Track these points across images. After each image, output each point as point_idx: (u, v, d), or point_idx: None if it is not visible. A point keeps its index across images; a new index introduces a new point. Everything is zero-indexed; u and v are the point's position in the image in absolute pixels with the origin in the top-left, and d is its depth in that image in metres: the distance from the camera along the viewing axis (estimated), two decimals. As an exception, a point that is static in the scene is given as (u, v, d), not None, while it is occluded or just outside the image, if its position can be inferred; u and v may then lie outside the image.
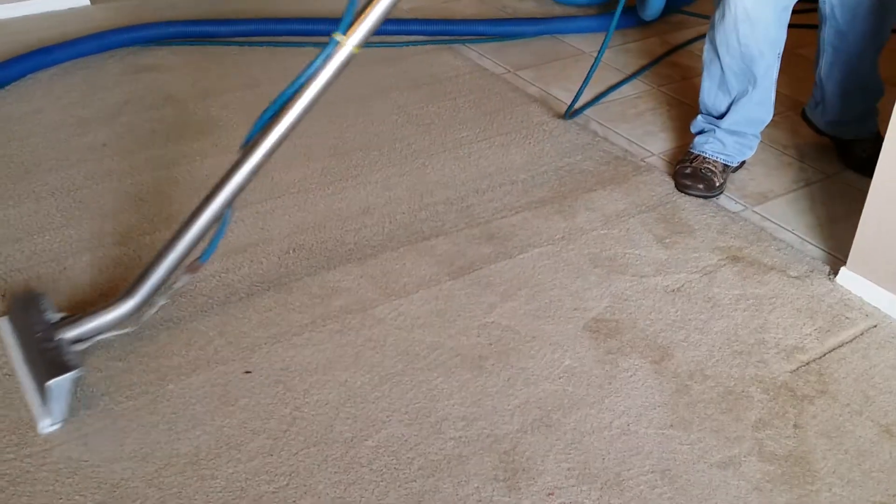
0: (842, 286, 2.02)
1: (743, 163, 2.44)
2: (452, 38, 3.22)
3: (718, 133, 2.35)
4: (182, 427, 1.61)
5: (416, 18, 3.30)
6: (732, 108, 2.32)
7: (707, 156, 2.35)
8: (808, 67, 2.55)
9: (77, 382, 1.64)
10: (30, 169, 2.34)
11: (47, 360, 1.60)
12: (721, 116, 2.35)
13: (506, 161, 2.47)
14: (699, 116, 2.43)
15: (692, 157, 2.37)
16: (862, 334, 1.89)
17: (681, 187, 2.33)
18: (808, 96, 2.57)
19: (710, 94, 2.36)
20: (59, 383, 1.55)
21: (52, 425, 1.59)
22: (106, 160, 2.40)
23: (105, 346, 1.75)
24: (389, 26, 3.22)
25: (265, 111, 1.70)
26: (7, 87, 2.72)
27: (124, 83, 2.80)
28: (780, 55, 2.25)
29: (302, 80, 1.68)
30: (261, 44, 3.10)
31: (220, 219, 1.73)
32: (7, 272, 1.96)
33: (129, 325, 1.73)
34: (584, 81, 2.64)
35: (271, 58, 3.02)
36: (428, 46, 3.17)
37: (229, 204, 1.72)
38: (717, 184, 2.32)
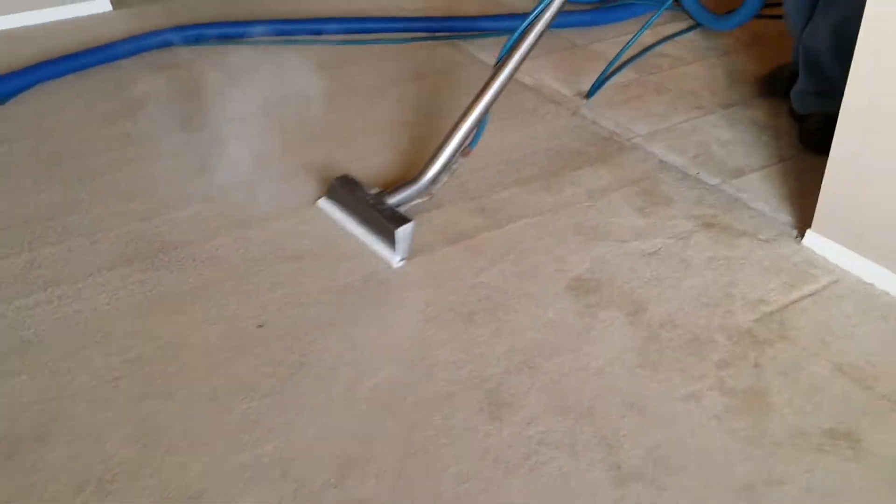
0: (807, 247, 2.19)
1: None
2: (453, 34, 3.41)
3: None
4: (202, 372, 1.80)
5: (419, 17, 3.50)
6: None
7: None
8: (790, 51, 2.72)
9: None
10: (59, 157, 2.55)
11: (386, 216, 2.13)
12: None
13: (500, 143, 2.65)
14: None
15: None
16: (823, 288, 2.06)
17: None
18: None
19: None
20: (405, 230, 2.09)
21: (400, 261, 2.10)
22: (129, 148, 2.61)
23: (132, 305, 1.95)
24: (395, 24, 3.41)
25: (511, 36, 2.24)
26: (36, 87, 2.93)
27: (148, 80, 3.01)
28: None
29: (538, 10, 2.21)
30: (276, 42, 3.31)
31: (477, 124, 2.28)
32: (41, 245, 2.17)
33: (425, 195, 2.27)
34: (608, 65, 2.92)
35: (284, 54, 3.23)
36: (430, 42, 3.36)
37: (488, 108, 2.27)
38: None
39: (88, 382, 1.77)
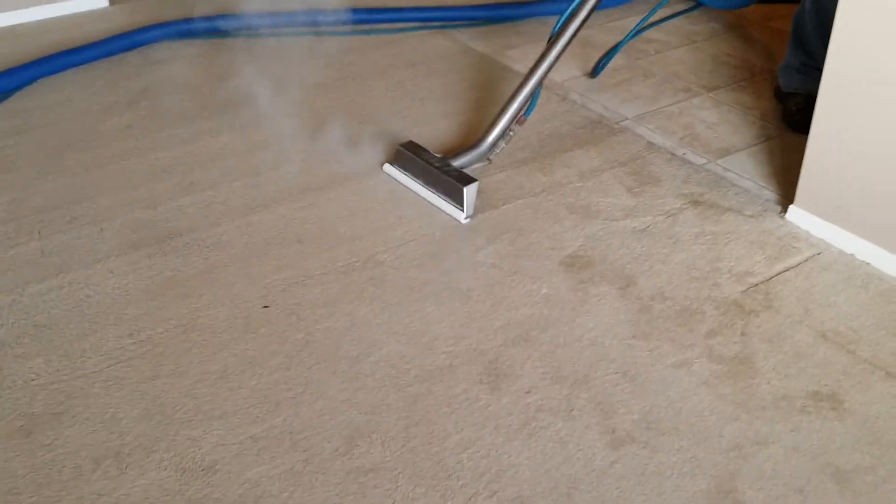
0: (791, 222, 2.27)
1: None
2: (444, 23, 3.48)
3: None
4: (210, 351, 1.87)
5: (409, 7, 3.56)
6: None
7: None
8: (778, 38, 2.80)
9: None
10: (63, 149, 2.61)
11: (454, 177, 2.30)
12: None
13: (492, 128, 2.72)
14: None
15: None
16: (806, 260, 2.14)
17: None
18: (776, 65, 2.82)
19: None
20: (472, 188, 2.26)
21: (466, 218, 2.27)
22: (131, 140, 2.67)
23: (141, 289, 2.02)
24: (386, 14, 3.48)
25: (565, 11, 2.41)
26: (39, 81, 2.99)
27: (144, 73, 3.07)
28: None
29: None
30: (270, 35, 3.37)
31: (533, 93, 2.46)
32: (51, 233, 2.23)
33: (484, 160, 2.46)
34: (616, 45, 3.08)
35: (278, 47, 3.29)
36: (421, 32, 3.43)
37: (542, 80, 2.45)
38: None
39: (102, 363, 1.84)
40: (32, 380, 1.80)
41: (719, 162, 2.56)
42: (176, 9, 3.60)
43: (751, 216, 2.30)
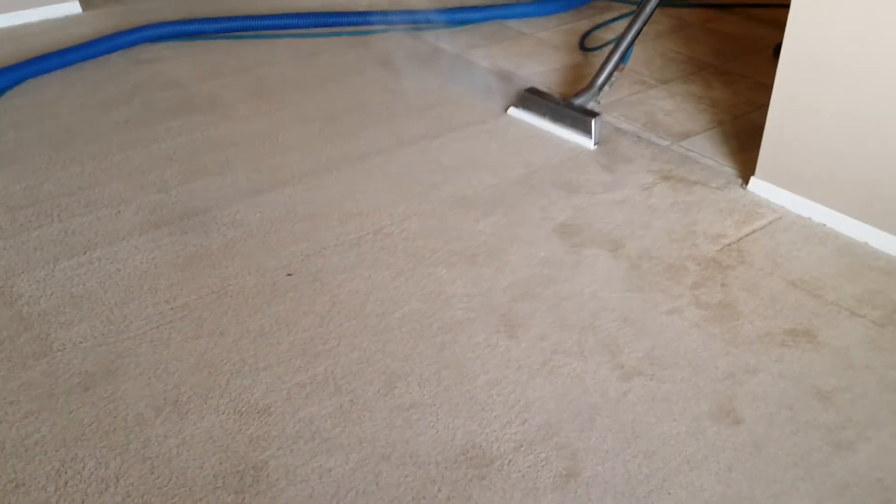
0: (752, 192, 2.53)
1: None
2: (412, 25, 3.68)
3: None
4: (246, 313, 2.02)
5: (377, 10, 3.75)
6: None
7: None
8: (717, 38, 3.06)
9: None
10: (67, 141, 2.71)
11: (581, 112, 2.75)
12: None
13: (470, 117, 2.93)
14: None
15: None
16: (770, 223, 2.39)
17: None
18: (718, 61, 3.09)
19: None
20: (598, 120, 2.71)
21: (594, 145, 2.72)
22: (132, 132, 2.78)
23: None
24: (355, 18, 3.66)
25: None
26: (27, 82, 3.07)
27: (131, 72, 3.18)
28: None
29: None
30: (246, 36, 3.51)
31: (630, 47, 2.87)
32: (69, 216, 2.34)
33: (594, 100, 2.87)
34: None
35: (256, 47, 3.44)
36: (391, 34, 3.62)
37: (638, 34, 2.86)
38: None
39: (145, 326, 1.97)
40: (80, 342, 1.91)
41: (681, 144, 2.81)
42: (145, 13, 3.72)
43: (717, 188, 2.55)
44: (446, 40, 3.58)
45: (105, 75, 3.14)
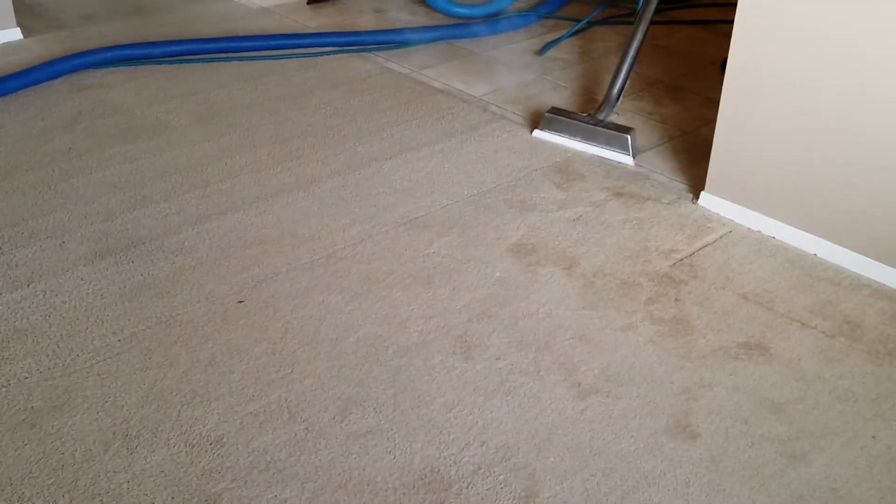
0: (703, 206, 2.55)
1: None
2: (360, 47, 3.67)
3: None
4: (196, 342, 1.98)
5: (327, 32, 3.74)
6: None
7: None
8: (665, 54, 3.10)
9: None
10: (8, 171, 2.65)
11: (613, 128, 2.82)
12: None
13: (422, 137, 2.93)
14: None
15: None
16: (721, 237, 2.42)
17: None
18: (667, 77, 3.13)
19: None
20: (633, 134, 2.79)
21: (632, 161, 2.76)
22: (75, 160, 2.73)
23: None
24: (304, 40, 3.64)
25: None
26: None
27: (73, 99, 3.12)
28: None
29: None
30: (193, 60, 3.48)
31: (637, 54, 2.96)
32: (12, 248, 2.28)
33: (613, 112, 2.97)
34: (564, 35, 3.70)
35: (203, 71, 3.40)
36: (340, 55, 3.61)
37: (641, 45, 2.93)
38: None
39: (92, 359, 1.92)
40: (25, 378, 1.86)
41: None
42: (89, 39, 3.66)
43: (668, 203, 2.57)
44: (396, 61, 3.58)
45: (46, 102, 3.08)
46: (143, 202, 2.51)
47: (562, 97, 3.28)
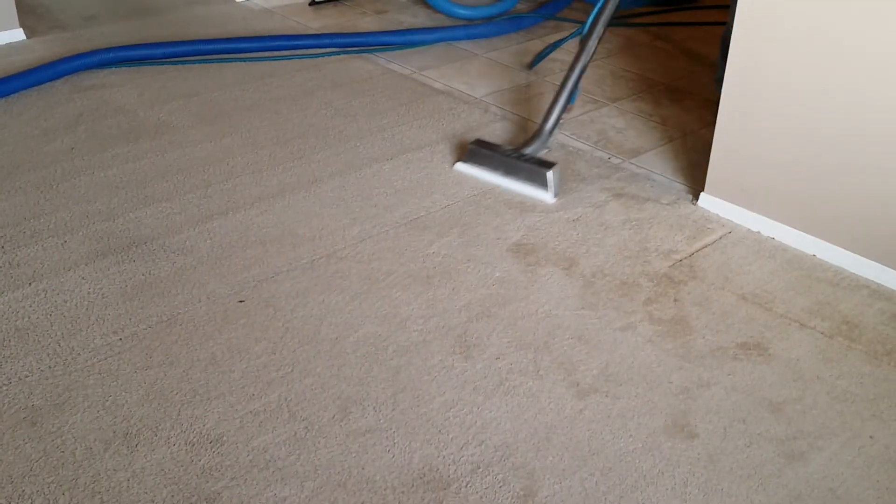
0: (702, 207, 2.56)
1: None
2: (362, 48, 3.68)
3: None
4: (196, 342, 1.99)
5: (328, 33, 3.75)
6: None
7: None
8: (665, 56, 3.10)
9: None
10: (11, 170, 2.66)
11: (534, 163, 2.58)
12: None
13: (423, 138, 2.93)
14: None
15: None
16: (720, 238, 2.42)
17: None
18: (667, 78, 3.14)
19: None
20: (555, 170, 2.55)
21: (553, 197, 2.54)
22: (77, 159, 2.74)
23: (119, 290, 2.11)
24: (306, 41, 3.65)
25: (593, 10, 2.70)
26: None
27: (76, 99, 3.13)
28: None
29: None
30: (194, 61, 3.49)
31: (576, 86, 2.77)
32: (14, 247, 2.29)
33: (544, 147, 2.75)
34: (553, 45, 3.58)
35: (204, 72, 3.41)
36: (341, 56, 3.62)
37: (582, 72, 2.74)
38: None
39: (92, 358, 1.93)
40: (26, 376, 1.87)
41: (632, 161, 2.84)
42: (91, 39, 3.68)
43: (667, 204, 2.58)
44: (398, 62, 3.58)
45: (49, 103, 3.09)
46: (144, 202, 2.52)
47: (562, 98, 3.28)
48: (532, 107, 3.20)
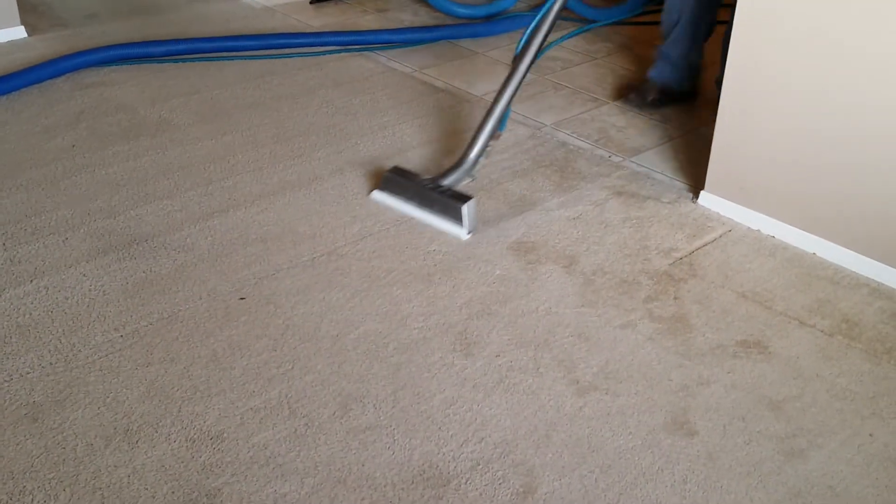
0: (703, 205, 2.56)
1: None
2: (363, 46, 3.68)
3: None
4: (197, 339, 1.99)
5: (329, 31, 3.75)
6: None
7: None
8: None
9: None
10: (12, 168, 2.66)
11: (449, 196, 2.37)
12: None
13: (424, 136, 2.94)
14: None
15: None
16: (720, 236, 2.42)
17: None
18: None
19: None
20: (470, 205, 2.34)
21: (468, 233, 2.36)
22: (78, 157, 2.74)
23: (120, 287, 2.11)
24: (307, 39, 3.65)
25: (525, 32, 2.51)
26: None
27: (77, 97, 3.14)
28: None
29: (546, 6, 2.51)
30: (195, 59, 3.49)
31: (506, 109, 2.54)
32: (15, 244, 2.29)
33: (469, 177, 2.51)
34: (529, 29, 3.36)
35: (205, 70, 3.41)
36: (343, 54, 3.62)
37: (512, 96, 2.52)
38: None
39: (94, 355, 1.93)
40: (28, 373, 1.87)
41: (633, 159, 2.84)
42: (93, 37, 3.68)
43: (668, 202, 2.58)
44: (398, 60, 3.59)
45: (50, 100, 3.10)
46: (145, 199, 2.53)
47: (562, 97, 3.29)
48: (532, 105, 3.20)
